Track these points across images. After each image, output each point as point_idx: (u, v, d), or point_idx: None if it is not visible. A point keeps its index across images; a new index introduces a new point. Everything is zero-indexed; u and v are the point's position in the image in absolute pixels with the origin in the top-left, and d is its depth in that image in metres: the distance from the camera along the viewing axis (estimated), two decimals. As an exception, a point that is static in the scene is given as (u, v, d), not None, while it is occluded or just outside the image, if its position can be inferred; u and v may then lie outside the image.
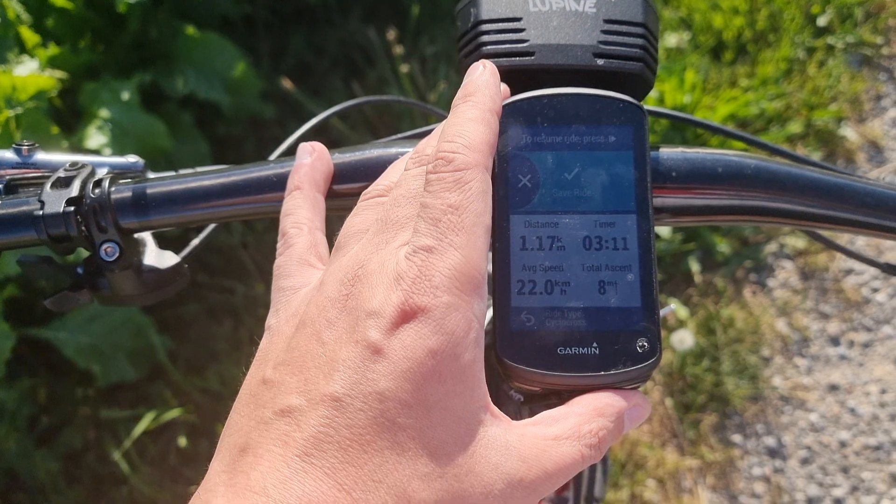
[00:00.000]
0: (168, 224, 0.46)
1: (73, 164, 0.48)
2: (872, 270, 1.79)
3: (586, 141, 0.40)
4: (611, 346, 0.37)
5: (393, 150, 0.46)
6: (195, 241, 0.55)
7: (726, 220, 0.44)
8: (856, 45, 1.99)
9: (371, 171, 0.45)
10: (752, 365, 1.71)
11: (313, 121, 0.61)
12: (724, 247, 1.78)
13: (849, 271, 1.80)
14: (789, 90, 1.93)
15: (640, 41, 0.42)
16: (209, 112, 1.91)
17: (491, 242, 0.39)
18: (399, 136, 0.54)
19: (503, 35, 0.43)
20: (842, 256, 1.81)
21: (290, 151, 0.57)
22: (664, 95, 1.83)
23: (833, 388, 1.71)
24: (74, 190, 0.45)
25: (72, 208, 0.44)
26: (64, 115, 1.75)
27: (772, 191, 0.43)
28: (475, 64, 0.39)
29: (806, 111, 1.92)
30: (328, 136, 1.93)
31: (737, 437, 1.68)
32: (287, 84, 1.72)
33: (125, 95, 1.69)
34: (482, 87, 0.38)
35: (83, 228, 0.45)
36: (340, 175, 0.46)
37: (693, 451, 1.66)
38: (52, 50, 1.66)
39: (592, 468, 0.85)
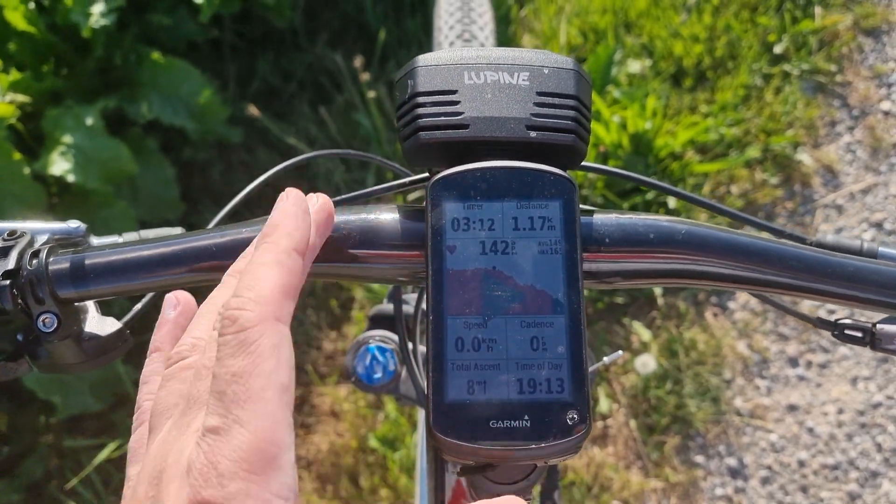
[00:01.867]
0: (107, 294, 0.46)
1: (12, 233, 0.47)
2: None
3: (518, 215, 0.41)
4: (541, 418, 0.38)
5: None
6: (137, 307, 0.54)
7: (659, 283, 0.46)
8: (811, 73, 2.05)
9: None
10: (713, 386, 1.74)
11: (253, 184, 0.61)
12: (685, 270, 1.81)
13: (806, 293, 1.85)
14: (747, 116, 1.98)
15: (571, 113, 0.44)
16: (174, 137, 1.90)
17: (424, 323, 0.40)
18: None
19: (439, 108, 0.44)
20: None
21: (235, 216, 0.58)
22: (626, 121, 1.87)
23: (792, 408, 1.75)
24: (11, 262, 0.44)
25: (7, 282, 0.44)
26: (27, 141, 1.74)
27: (702, 255, 0.45)
28: (282, 194, 0.39)
29: (763, 137, 1.97)
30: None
31: (699, 458, 1.70)
32: (253, 111, 1.72)
33: (89, 121, 1.68)
34: (280, 222, 0.37)
35: (20, 301, 0.44)
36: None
37: (657, 472, 1.68)
38: (14, 75, 1.65)
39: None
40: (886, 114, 2.02)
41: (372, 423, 1.74)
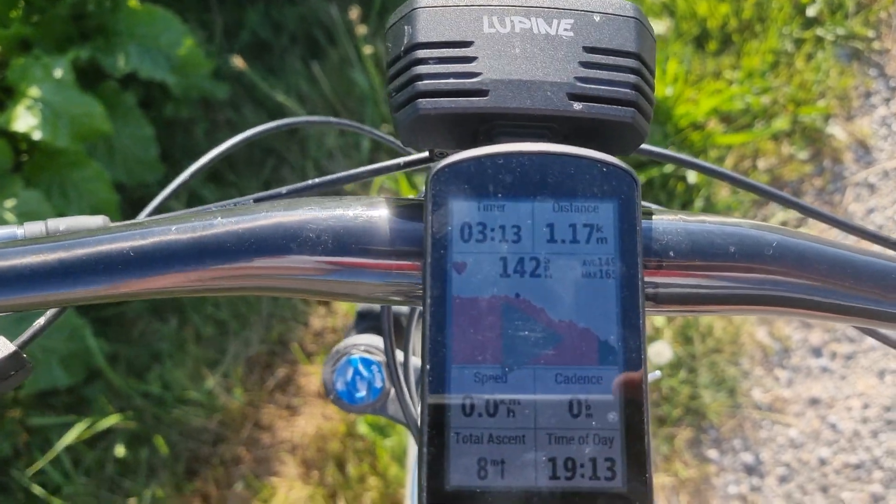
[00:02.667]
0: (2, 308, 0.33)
1: None
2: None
3: (555, 221, 0.29)
4: None
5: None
6: (37, 325, 0.41)
7: (738, 310, 0.33)
8: (846, 38, 1.90)
9: None
10: (730, 377, 1.61)
11: (198, 164, 0.47)
12: (704, 250, 1.68)
13: (833, 278, 1.72)
14: (776, 84, 1.83)
15: (632, 77, 0.31)
16: (154, 92, 1.76)
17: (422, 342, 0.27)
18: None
19: (448, 66, 0.32)
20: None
21: (164, 209, 0.44)
22: (645, 87, 1.72)
23: (814, 401, 1.63)
24: None
25: None
26: (-10, 95, 1.60)
27: (802, 276, 0.32)
28: None
29: (793, 107, 1.82)
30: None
31: (713, 453, 1.59)
32: (239, 63, 1.58)
33: (58, 72, 1.54)
34: None
35: None
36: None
37: (667, 467, 1.57)
38: (-24, 21, 1.50)
39: None
40: (926, 85, 1.87)
41: (362, 407, 1.62)
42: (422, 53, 0.32)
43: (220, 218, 0.32)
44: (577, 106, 0.31)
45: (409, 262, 0.31)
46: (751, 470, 1.58)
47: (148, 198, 1.79)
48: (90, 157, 1.62)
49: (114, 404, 1.64)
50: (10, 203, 1.51)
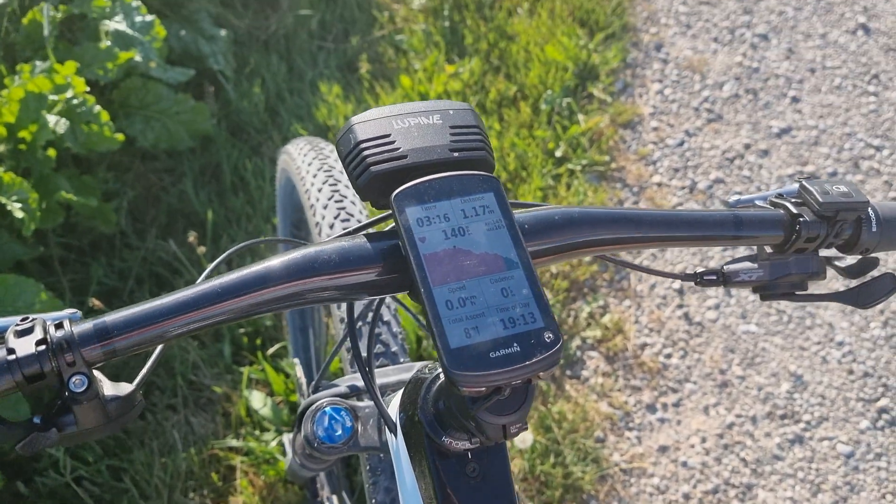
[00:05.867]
0: (130, 347, 0.52)
1: (24, 318, 0.52)
2: (661, 339, 2.06)
3: (466, 206, 0.54)
4: (527, 342, 0.50)
5: None
6: (147, 367, 0.59)
7: (574, 254, 0.60)
8: (590, 166, 2.38)
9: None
10: (591, 448, 1.85)
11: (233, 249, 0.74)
12: (536, 353, 1.97)
13: (643, 346, 2.05)
14: (550, 211, 2.25)
15: (479, 137, 0.59)
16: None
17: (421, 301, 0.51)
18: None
19: (380, 148, 0.56)
20: (634, 333, 2.06)
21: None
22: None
23: (663, 448, 1.89)
24: (39, 333, 0.50)
25: (42, 347, 0.49)
26: None
27: (594, 228, 0.60)
28: None
29: (568, 225, 2.23)
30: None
31: (599, 520, 1.78)
32: (95, 303, 1.76)
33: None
34: None
35: (53, 364, 0.50)
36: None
37: (565, 545, 1.73)
38: None
39: None
40: (659, 185, 2.37)
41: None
42: (364, 145, 0.56)
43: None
44: (456, 154, 0.57)
45: (381, 265, 0.55)
46: (634, 523, 1.78)
47: (23, 456, 1.83)
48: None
49: None
50: None
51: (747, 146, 2.46)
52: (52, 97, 1.87)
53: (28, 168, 1.92)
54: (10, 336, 0.50)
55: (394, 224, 0.54)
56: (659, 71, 2.65)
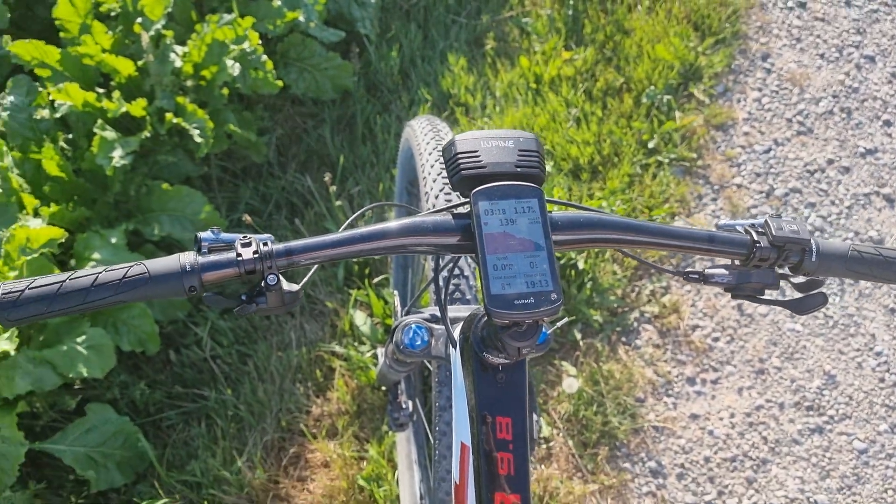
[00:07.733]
0: (305, 261, 0.77)
1: (244, 236, 0.78)
2: (712, 324, 2.32)
3: (518, 206, 0.77)
4: (539, 297, 0.73)
5: None
6: (307, 276, 0.90)
7: (588, 246, 0.88)
8: (678, 160, 2.63)
9: None
10: (630, 406, 2.17)
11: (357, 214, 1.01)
12: (598, 318, 2.28)
13: (695, 327, 2.32)
14: (633, 196, 2.53)
15: (536, 159, 0.80)
16: (187, 246, 2.34)
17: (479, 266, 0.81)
18: None
19: (470, 159, 0.79)
20: (689, 315, 2.33)
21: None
22: (539, 208, 2.38)
23: (695, 416, 2.18)
24: (255, 247, 0.76)
25: (256, 255, 0.75)
26: (60, 262, 2.15)
27: (605, 230, 0.86)
28: None
29: (647, 211, 2.50)
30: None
31: (626, 464, 2.10)
32: (247, 219, 2.18)
33: (114, 239, 2.11)
34: None
35: (260, 266, 0.76)
36: None
37: (594, 478, 2.07)
38: (53, 208, 2.08)
39: (530, 418, 1.26)
40: (739, 186, 2.59)
41: (359, 467, 2.10)
42: (461, 156, 0.78)
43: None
44: (519, 169, 0.77)
45: (457, 235, 0.79)
46: (656, 473, 2.10)
47: (177, 331, 2.32)
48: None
49: (161, 492, 2.07)
50: (81, 338, 2.03)
51: (830, 161, 2.64)
52: (231, 46, 2.29)
53: (205, 102, 2.35)
54: (238, 245, 0.76)
55: (469, 209, 0.77)
56: (761, 80, 2.83)
